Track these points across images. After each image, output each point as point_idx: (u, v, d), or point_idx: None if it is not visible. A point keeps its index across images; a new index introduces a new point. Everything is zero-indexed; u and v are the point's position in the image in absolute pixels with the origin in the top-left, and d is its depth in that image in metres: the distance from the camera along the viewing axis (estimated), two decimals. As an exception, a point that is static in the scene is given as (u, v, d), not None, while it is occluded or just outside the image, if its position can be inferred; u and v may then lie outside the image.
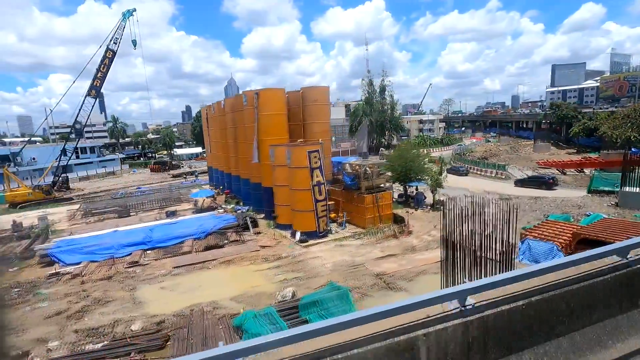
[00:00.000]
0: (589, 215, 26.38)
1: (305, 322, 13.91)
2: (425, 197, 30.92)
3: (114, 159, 75.57)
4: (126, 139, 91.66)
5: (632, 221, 19.21)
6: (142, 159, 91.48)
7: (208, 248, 22.72)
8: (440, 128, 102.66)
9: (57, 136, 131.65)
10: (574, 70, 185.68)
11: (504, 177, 44.15)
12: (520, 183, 38.80)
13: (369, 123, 40.37)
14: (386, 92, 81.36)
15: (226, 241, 23.58)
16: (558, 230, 20.11)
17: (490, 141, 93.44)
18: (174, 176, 63.09)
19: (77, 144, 49.08)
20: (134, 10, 47.96)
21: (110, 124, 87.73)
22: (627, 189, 27.77)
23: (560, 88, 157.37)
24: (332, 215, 26.98)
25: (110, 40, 46.30)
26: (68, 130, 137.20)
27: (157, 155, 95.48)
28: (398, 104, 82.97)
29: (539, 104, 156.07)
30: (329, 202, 27.58)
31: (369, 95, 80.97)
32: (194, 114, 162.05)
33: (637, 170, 27.32)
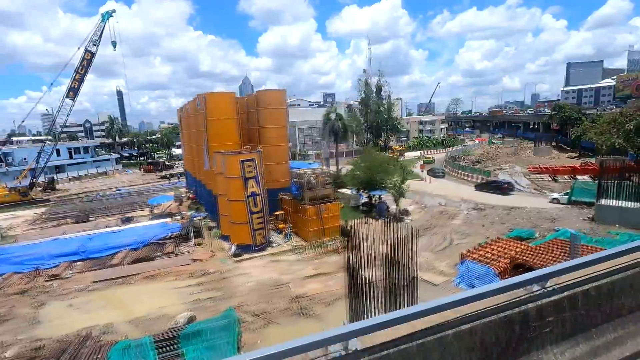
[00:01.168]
0: (557, 231, 24.25)
1: (180, 355, 12.62)
2: (387, 207, 29.16)
3: (107, 159, 75.98)
4: (123, 139, 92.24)
5: (581, 244, 17.12)
6: (141, 158, 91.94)
7: (138, 260, 21.70)
8: (442, 129, 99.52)
9: (65, 135, 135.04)
10: (584, 70, 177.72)
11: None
12: (479, 187, 38.31)
13: (341, 126, 38.66)
14: (383, 92, 79.33)
15: (159, 253, 22.52)
16: (503, 251, 18.23)
17: (494, 143, 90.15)
18: (162, 177, 62.83)
19: (55, 146, 48.86)
20: (114, 11, 47.55)
21: (107, 124, 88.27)
22: (603, 201, 25.35)
23: (575, 87, 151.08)
24: (281, 225, 25.68)
25: (89, 42, 45.99)
26: (76, 129, 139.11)
27: (156, 155, 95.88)
28: (396, 104, 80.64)
29: (554, 104, 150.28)
30: (279, 212, 26.34)
31: (365, 96, 79.07)
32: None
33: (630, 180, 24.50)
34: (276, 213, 26.09)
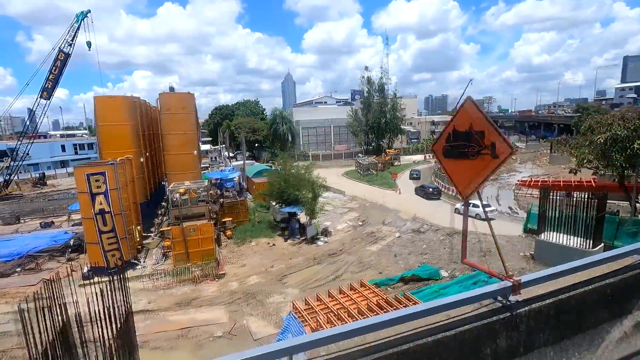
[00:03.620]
0: (473, 271, 19.53)
1: None
2: (299, 226, 25.70)
3: (111, 156, 78.50)
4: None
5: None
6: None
7: (-10, 277, 20.42)
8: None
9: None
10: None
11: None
12: (416, 192, 39.15)
13: (286, 130, 35.31)
14: (386, 92, 74.10)
15: (19, 269, 21.13)
16: (345, 304, 14.38)
17: (517, 146, 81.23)
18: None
19: (29, 146, 50.36)
20: (89, 11, 47.77)
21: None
22: (543, 236, 20.02)
23: (632, 84, 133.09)
24: (166, 243, 23.35)
25: (63, 42, 46.58)
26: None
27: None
28: (402, 102, 74.94)
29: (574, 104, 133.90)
30: (164, 229, 24.05)
31: (368, 94, 74.41)
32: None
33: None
34: (162, 229, 23.83)
